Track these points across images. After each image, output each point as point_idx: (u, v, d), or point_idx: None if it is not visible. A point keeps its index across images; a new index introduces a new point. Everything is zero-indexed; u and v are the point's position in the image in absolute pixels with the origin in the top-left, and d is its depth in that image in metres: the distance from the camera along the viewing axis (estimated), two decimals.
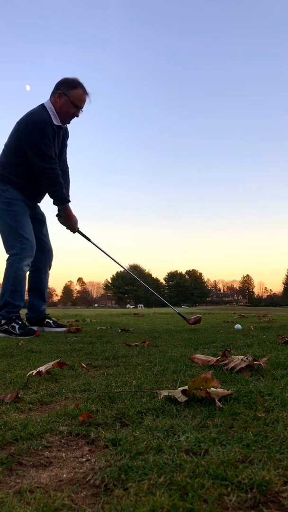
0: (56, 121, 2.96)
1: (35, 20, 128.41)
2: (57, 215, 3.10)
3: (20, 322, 2.77)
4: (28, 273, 3.05)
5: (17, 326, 2.72)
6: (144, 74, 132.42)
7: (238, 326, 3.04)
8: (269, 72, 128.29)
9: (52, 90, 3.04)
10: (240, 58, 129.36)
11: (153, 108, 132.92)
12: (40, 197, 3.21)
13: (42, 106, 2.97)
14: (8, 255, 2.90)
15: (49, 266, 3.29)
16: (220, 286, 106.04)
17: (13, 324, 2.74)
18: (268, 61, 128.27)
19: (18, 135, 2.91)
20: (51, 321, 3.20)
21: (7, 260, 2.90)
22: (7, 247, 2.92)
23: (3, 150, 3.02)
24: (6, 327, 2.73)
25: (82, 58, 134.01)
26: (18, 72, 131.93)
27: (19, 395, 0.95)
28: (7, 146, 2.99)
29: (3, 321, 2.77)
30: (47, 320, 3.19)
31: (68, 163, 3.35)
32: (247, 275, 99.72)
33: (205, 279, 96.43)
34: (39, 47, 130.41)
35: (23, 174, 2.97)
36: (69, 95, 2.97)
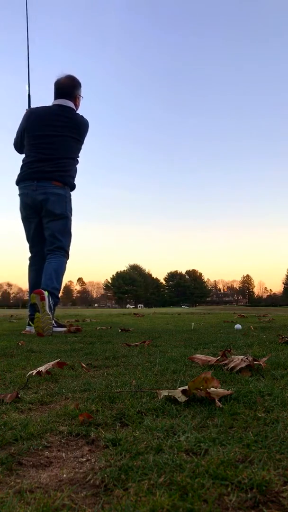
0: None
1: (35, 18, 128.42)
2: None
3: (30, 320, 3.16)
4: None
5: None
6: (144, 73, 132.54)
7: (238, 326, 3.04)
8: (269, 73, 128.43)
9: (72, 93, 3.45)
10: (241, 58, 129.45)
11: (153, 107, 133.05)
12: (42, 165, 3.21)
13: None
14: None
15: (48, 255, 3.23)
16: (220, 286, 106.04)
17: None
18: (269, 61, 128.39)
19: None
20: (53, 321, 3.23)
21: None
22: None
23: None
24: None
25: (82, 57, 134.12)
26: (18, 70, 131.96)
27: (19, 395, 0.95)
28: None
29: None
30: None
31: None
32: (247, 275, 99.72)
33: (205, 279, 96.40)
34: (39, 47, 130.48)
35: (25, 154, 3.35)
36: None
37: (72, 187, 3.35)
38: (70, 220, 3.31)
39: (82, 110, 3.45)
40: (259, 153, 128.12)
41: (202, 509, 0.45)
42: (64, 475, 0.56)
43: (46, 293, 2.81)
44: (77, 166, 3.44)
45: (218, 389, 0.90)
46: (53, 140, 3.22)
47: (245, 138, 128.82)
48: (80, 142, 3.40)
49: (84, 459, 0.61)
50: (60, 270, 3.12)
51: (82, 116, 3.42)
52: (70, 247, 3.33)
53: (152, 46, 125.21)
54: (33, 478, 0.55)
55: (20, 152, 3.44)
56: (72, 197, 3.40)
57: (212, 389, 0.89)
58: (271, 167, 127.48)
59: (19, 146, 3.41)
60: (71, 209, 3.32)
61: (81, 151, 3.45)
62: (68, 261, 3.29)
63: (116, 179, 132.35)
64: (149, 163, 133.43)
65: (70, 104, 3.37)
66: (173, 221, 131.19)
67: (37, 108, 3.37)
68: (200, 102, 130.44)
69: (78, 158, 3.42)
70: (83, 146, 3.46)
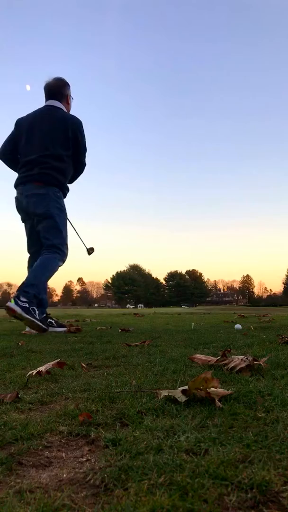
0: None
1: (36, 21, 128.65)
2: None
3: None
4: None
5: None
6: (143, 76, 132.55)
7: (238, 326, 3.04)
8: (266, 75, 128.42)
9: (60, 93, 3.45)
10: (237, 62, 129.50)
11: (152, 109, 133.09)
12: (30, 168, 3.21)
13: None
14: None
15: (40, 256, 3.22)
16: (220, 286, 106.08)
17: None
18: (266, 64, 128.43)
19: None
20: (53, 321, 3.23)
21: None
22: None
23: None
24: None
25: (81, 59, 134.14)
26: (19, 72, 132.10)
27: (19, 395, 0.95)
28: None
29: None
30: (49, 320, 3.23)
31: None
32: (247, 275, 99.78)
33: (205, 279, 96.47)
34: (39, 48, 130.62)
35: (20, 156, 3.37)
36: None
37: (56, 184, 3.23)
38: (59, 217, 3.22)
39: (84, 113, 3.50)
40: (259, 153, 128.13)
41: (202, 509, 0.45)
42: (64, 475, 0.56)
43: (12, 302, 2.80)
44: (67, 166, 3.30)
45: (218, 389, 0.90)
46: (37, 141, 3.23)
47: (244, 138, 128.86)
48: (68, 138, 3.25)
49: (84, 459, 0.61)
50: (45, 264, 3.09)
51: (69, 113, 3.41)
52: (68, 244, 3.29)
53: (150, 51, 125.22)
54: (33, 478, 0.55)
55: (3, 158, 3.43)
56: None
57: (212, 389, 0.89)
58: (272, 167, 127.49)
59: (6, 153, 3.40)
60: (58, 206, 3.23)
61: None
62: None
63: (116, 179, 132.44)
64: (150, 163, 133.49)
65: (58, 104, 3.39)
66: (173, 221, 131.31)
67: (23, 116, 3.40)
68: (200, 104, 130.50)
69: (62, 154, 3.24)
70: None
